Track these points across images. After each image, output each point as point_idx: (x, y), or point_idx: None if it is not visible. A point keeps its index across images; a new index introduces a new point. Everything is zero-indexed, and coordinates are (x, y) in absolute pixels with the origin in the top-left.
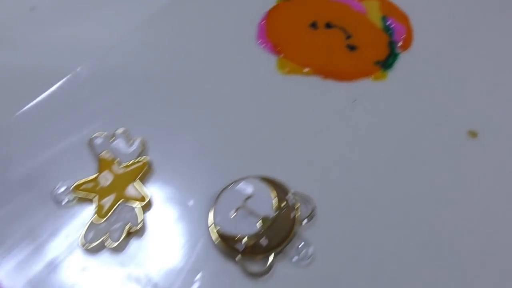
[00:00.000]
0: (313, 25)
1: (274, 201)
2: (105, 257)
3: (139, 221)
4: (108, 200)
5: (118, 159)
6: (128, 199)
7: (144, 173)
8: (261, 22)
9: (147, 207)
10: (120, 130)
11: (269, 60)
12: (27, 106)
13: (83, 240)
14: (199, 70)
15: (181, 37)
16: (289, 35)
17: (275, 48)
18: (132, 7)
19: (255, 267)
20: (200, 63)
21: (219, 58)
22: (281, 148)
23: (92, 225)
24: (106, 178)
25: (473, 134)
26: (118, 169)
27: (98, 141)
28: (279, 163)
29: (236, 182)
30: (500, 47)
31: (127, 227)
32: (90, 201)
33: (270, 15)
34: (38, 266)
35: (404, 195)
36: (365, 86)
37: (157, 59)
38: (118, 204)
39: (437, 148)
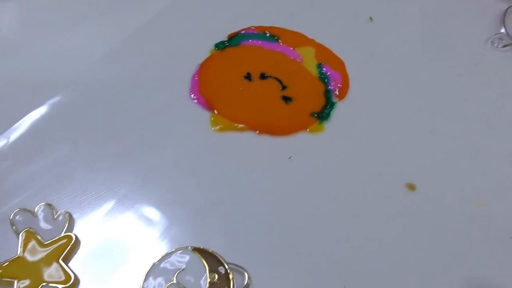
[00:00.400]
0: (247, 76)
1: (207, 274)
2: None
3: None
4: (29, 285)
5: (41, 237)
6: (50, 282)
7: (69, 250)
8: (194, 75)
9: None
10: (42, 205)
11: (203, 116)
12: None
13: None
14: (128, 135)
15: (112, 93)
16: (222, 89)
17: (208, 104)
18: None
19: None
20: (129, 126)
21: (151, 117)
22: (213, 214)
23: None
24: (28, 259)
25: (411, 186)
26: (41, 249)
27: (20, 217)
28: (211, 231)
29: (167, 255)
30: (438, 95)
31: None
32: (12, 284)
33: (203, 68)
34: None
35: (345, 257)
36: (302, 140)
37: (82, 123)
38: None
39: (375, 202)
